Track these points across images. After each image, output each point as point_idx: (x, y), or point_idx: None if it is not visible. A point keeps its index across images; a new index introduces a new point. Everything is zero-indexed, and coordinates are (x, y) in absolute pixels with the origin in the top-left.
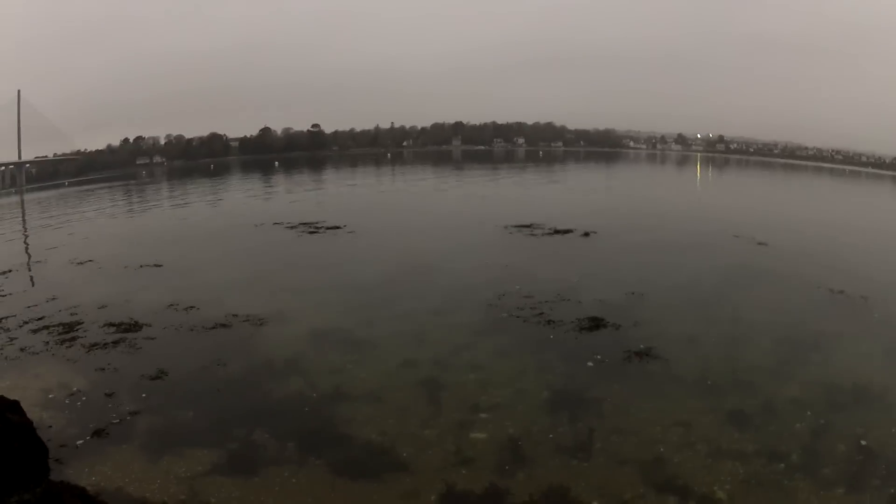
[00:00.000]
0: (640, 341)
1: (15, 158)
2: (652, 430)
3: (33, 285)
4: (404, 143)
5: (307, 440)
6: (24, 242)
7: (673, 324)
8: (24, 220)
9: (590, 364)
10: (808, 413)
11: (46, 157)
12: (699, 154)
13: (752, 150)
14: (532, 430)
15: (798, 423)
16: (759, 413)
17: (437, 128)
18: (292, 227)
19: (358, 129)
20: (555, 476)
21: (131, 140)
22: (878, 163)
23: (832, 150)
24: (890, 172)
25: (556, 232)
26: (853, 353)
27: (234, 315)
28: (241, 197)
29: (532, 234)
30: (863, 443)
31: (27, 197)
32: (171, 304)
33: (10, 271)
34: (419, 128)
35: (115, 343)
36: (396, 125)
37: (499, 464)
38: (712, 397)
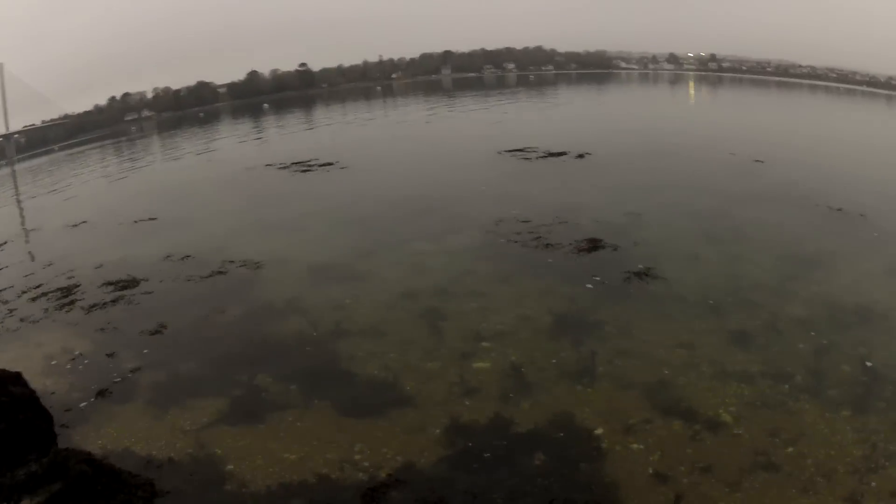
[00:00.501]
0: (639, 261)
1: (2, 131)
2: (655, 352)
3: (29, 253)
4: (393, 76)
5: (310, 381)
6: (19, 213)
7: (672, 243)
8: (16, 190)
9: (590, 286)
10: (812, 333)
11: (34, 124)
12: (692, 73)
13: (744, 68)
14: (535, 357)
15: (802, 343)
16: (763, 333)
17: (426, 58)
18: (284, 168)
19: (346, 64)
20: (559, 402)
21: (118, 97)
22: (873, 81)
23: (826, 69)
24: (884, 91)
25: (550, 155)
26: (855, 271)
27: (230, 261)
28: (232, 143)
29: (526, 158)
30: (868, 364)
31: (18, 167)
32: (167, 256)
33: (5, 243)
34: (408, 59)
35: (114, 301)
36: (385, 58)
37: (503, 393)
38: (715, 317)
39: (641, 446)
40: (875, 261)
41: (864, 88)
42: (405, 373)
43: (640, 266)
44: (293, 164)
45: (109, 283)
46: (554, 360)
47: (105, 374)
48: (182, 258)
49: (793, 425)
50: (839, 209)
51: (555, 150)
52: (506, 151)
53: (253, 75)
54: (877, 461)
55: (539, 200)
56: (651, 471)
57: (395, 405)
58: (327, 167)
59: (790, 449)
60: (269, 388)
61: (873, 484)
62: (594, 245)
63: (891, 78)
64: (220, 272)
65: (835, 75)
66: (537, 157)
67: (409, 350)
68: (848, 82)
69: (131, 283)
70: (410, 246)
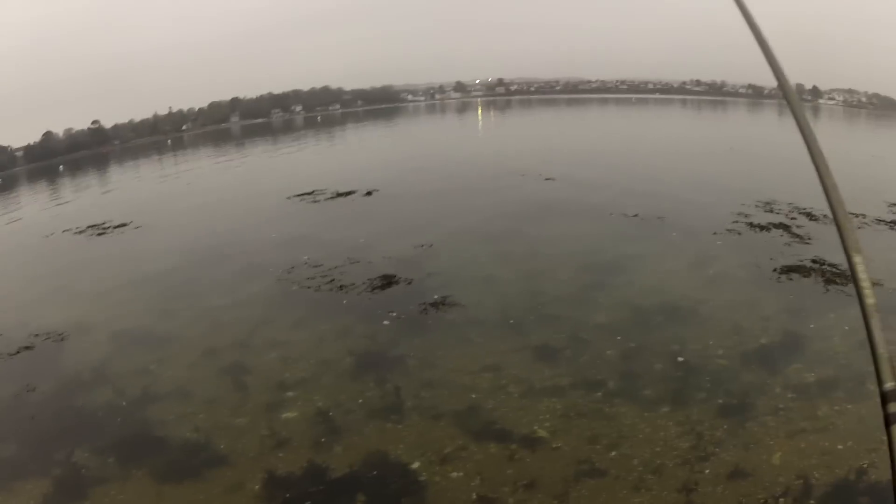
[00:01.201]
0: (434, 291)
1: None
2: (461, 379)
3: None
4: (184, 127)
5: (126, 451)
6: None
7: (467, 268)
8: None
9: (387, 323)
10: (619, 338)
11: None
12: (479, 99)
13: (533, 88)
14: (341, 400)
15: (610, 349)
16: (568, 345)
17: (215, 106)
18: (80, 232)
19: (137, 118)
20: (372, 442)
21: None
22: (666, 88)
23: (617, 81)
24: (678, 96)
25: (339, 195)
26: (657, 271)
27: (35, 335)
28: (32, 210)
29: (314, 201)
30: (680, 359)
31: None
32: None
33: None
34: (197, 109)
35: None
36: (174, 109)
37: (314, 440)
38: (517, 336)
39: (461, 473)
40: (677, 259)
41: (657, 96)
42: (216, 431)
43: (436, 296)
44: (89, 227)
45: None
46: (360, 401)
47: None
48: None
49: (612, 430)
50: (635, 215)
51: (343, 189)
52: (295, 196)
53: (48, 136)
54: (706, 449)
55: (330, 242)
56: (474, 496)
57: (212, 465)
58: (122, 228)
59: (613, 453)
60: (88, 464)
61: (707, 471)
62: (388, 281)
63: (683, 83)
64: (27, 347)
65: (626, 86)
66: (326, 199)
67: (216, 408)
68: (640, 92)
69: None
70: (206, 301)
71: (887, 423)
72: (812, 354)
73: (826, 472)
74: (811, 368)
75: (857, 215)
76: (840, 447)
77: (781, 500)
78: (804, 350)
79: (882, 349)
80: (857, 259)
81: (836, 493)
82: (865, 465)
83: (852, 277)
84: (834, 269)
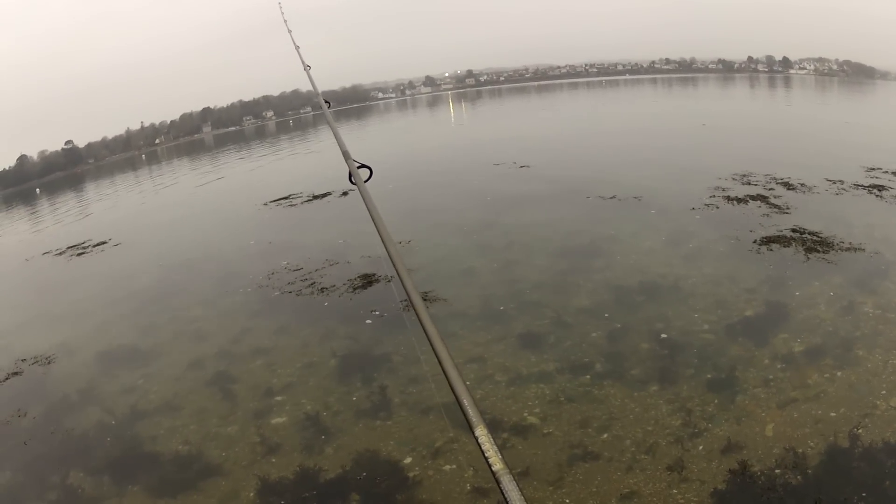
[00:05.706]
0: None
1: None
2: None
3: None
4: (157, 141)
5: (119, 469)
6: None
7: (445, 262)
8: None
9: (369, 322)
10: (603, 319)
11: None
12: (449, 92)
13: (503, 78)
14: (329, 402)
15: (594, 332)
16: (552, 331)
17: (186, 118)
18: (60, 253)
19: (110, 136)
20: (362, 441)
21: None
22: (636, 69)
23: (586, 65)
24: (647, 76)
25: (315, 197)
26: (637, 250)
27: (22, 360)
28: (8, 235)
29: (291, 205)
30: (664, 336)
31: None
32: None
33: None
34: (169, 121)
35: None
36: (146, 123)
37: (305, 443)
38: (500, 326)
39: (453, 466)
40: (655, 237)
41: (627, 77)
42: (207, 442)
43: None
44: (69, 248)
45: None
46: (348, 401)
47: None
48: None
49: (602, 412)
50: (612, 196)
51: (319, 192)
52: (271, 202)
53: (22, 160)
54: (697, 425)
55: (308, 245)
56: (469, 487)
57: (206, 476)
58: (101, 246)
59: (605, 435)
60: (83, 485)
61: (700, 447)
62: (368, 280)
63: (653, 63)
64: (16, 373)
65: (595, 70)
66: (302, 202)
67: (206, 419)
68: (609, 74)
69: None
70: (189, 313)
71: None
72: (798, 323)
73: (820, 440)
74: (798, 337)
75: (834, 181)
76: (833, 414)
77: (777, 471)
78: (790, 319)
79: None
80: (478, 432)
81: (831, 461)
82: (859, 431)
83: (479, 449)
84: (815, 237)
